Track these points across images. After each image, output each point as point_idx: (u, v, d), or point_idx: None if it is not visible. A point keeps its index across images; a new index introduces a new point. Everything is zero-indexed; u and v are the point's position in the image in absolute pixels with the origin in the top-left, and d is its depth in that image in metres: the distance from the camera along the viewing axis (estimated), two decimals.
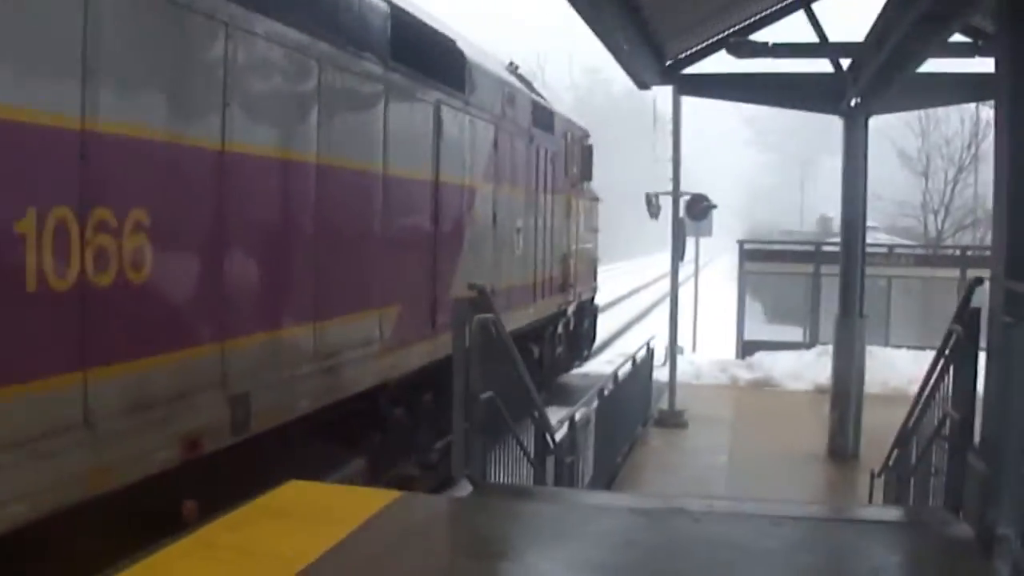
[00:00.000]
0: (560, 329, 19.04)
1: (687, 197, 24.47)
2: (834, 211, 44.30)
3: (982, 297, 6.98)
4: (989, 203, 31.13)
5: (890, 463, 10.29)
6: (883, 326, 22.43)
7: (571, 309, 19.62)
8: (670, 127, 25.18)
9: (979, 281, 6.98)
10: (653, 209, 24.19)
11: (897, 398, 20.42)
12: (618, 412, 14.96)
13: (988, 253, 26.62)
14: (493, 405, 6.95)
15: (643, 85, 16.82)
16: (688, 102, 17.12)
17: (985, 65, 14.87)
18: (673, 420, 17.78)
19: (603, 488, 12.83)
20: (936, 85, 15.37)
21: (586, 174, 20.33)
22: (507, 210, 14.29)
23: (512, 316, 15.01)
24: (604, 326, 32.45)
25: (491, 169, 13.35)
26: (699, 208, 24.45)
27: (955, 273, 23.51)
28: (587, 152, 20.31)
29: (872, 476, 11.02)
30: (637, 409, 17.00)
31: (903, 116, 29.69)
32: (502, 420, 7.40)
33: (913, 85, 14.40)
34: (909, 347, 22.61)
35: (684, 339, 26.54)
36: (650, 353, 18.07)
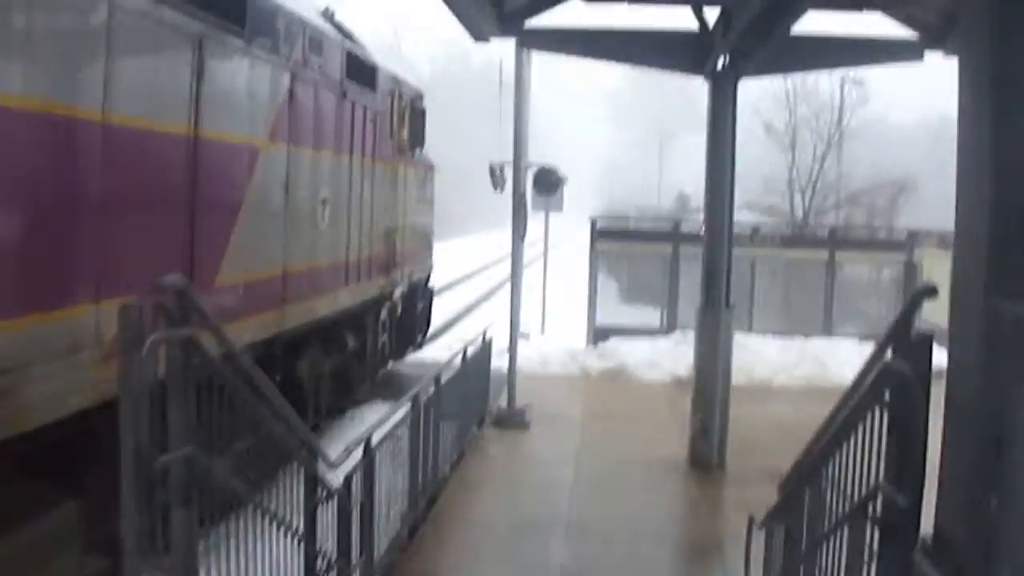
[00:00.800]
0: (385, 315, 16.65)
1: (534, 169, 22.37)
2: (693, 188, 42.90)
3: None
4: (853, 182, 29.79)
5: (773, 513, 8.11)
6: (746, 311, 20.57)
7: (399, 292, 17.23)
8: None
9: (931, 292, 4.74)
10: (497, 180, 21.90)
11: (764, 391, 18.72)
12: (445, 415, 12.72)
13: (859, 233, 25.04)
14: (198, 466, 4.57)
15: (480, 36, 14.45)
16: (544, 75, 14.93)
17: (870, 25, 13.02)
18: (513, 420, 15.59)
19: (419, 519, 10.57)
20: (815, 47, 13.43)
21: (418, 140, 17.91)
22: (308, 177, 11.84)
23: (317, 302, 12.56)
24: (446, 308, 30.24)
25: (283, 126, 10.89)
26: (548, 181, 22.28)
27: (823, 255, 21.82)
28: (419, 115, 17.91)
29: (750, 525, 8.89)
30: (470, 408, 14.75)
31: (770, 89, 27.97)
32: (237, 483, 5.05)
33: (789, 46, 12.47)
34: (775, 333, 20.82)
35: (531, 323, 24.51)
36: (487, 343, 15.79)
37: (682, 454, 13.73)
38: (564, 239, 41.04)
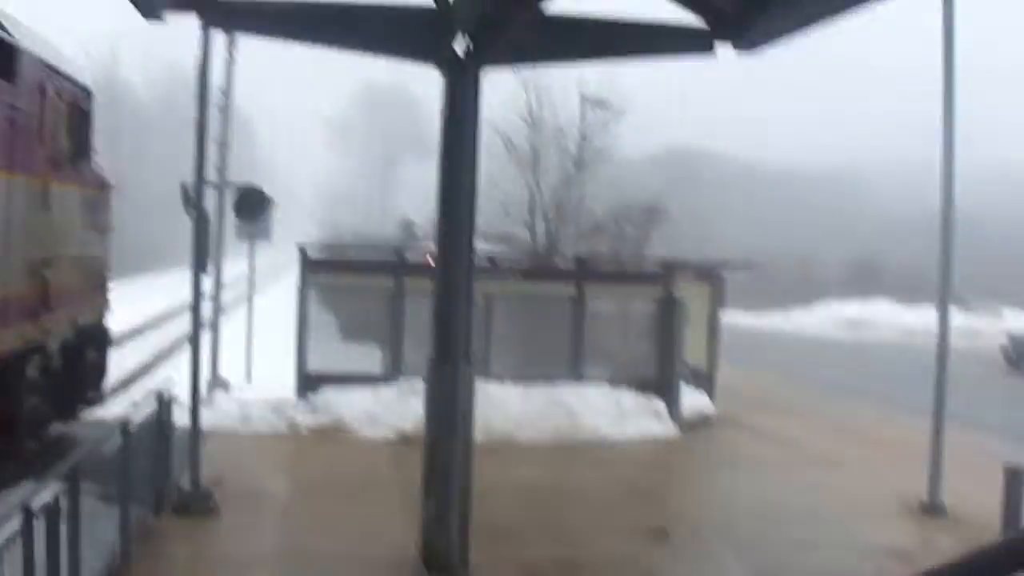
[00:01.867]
0: (34, 372, 12.91)
1: (234, 189, 19.05)
2: (419, 218, 39.87)
3: None
4: (600, 208, 27.52)
5: None
6: (482, 354, 17.76)
7: (54, 342, 13.49)
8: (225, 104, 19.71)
9: None
10: (190, 201, 18.40)
11: (506, 449, 15.93)
12: (91, 511, 9.33)
13: (609, 264, 22.64)
14: None
15: (151, 13, 11.07)
16: (258, 98, 11.79)
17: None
18: (198, 504, 12.21)
19: None
20: (576, 31, 10.78)
21: (83, 149, 14.30)
22: None
23: None
24: (144, 352, 26.30)
25: None
26: (251, 203, 18.94)
27: (570, 289, 19.27)
28: (83, 117, 14.33)
29: None
30: (137, 493, 11.31)
31: (510, 103, 25.36)
32: None
33: (545, 28, 9.86)
34: (516, 380, 18.13)
35: (235, 370, 21.11)
36: (166, 400, 12.32)
37: (411, 547, 10.74)
38: (282, 277, 37.29)
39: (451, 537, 10.33)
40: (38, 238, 12.53)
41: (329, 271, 18.77)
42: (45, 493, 7.88)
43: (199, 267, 12.11)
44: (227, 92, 19.62)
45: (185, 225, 15.84)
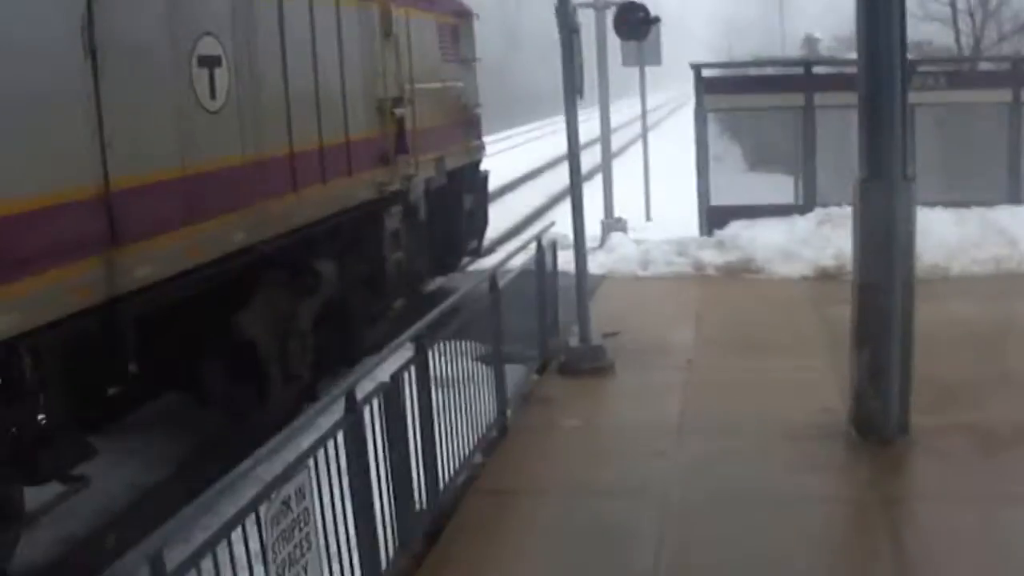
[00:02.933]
0: (396, 223, 11.76)
1: (613, 7, 17.19)
2: (825, 32, 36.46)
3: None
4: None
5: None
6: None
7: (418, 188, 12.27)
8: None
9: None
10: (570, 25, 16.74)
11: (940, 285, 13.35)
12: (467, 377, 8.08)
13: None
14: None
15: None
16: None
17: None
18: (588, 361, 10.74)
19: None
20: None
21: None
22: (152, 21, 6.98)
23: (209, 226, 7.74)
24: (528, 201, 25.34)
25: None
26: (633, 20, 17.00)
27: (1005, 95, 16.17)
28: None
29: None
30: (516, 355, 10.01)
31: None
32: None
33: None
34: (945, 204, 15.43)
35: (633, 211, 19.58)
36: (542, 251, 10.83)
37: (841, 409, 8.79)
38: (680, 115, 34.66)
39: (889, 396, 8.27)
40: (384, 72, 11.20)
41: (728, 90, 16.59)
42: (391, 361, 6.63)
43: (573, 90, 10.36)
44: None
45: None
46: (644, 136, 20.27)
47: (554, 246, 11.45)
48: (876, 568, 6.36)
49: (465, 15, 14.97)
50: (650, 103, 20.70)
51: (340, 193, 10.03)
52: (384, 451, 6.11)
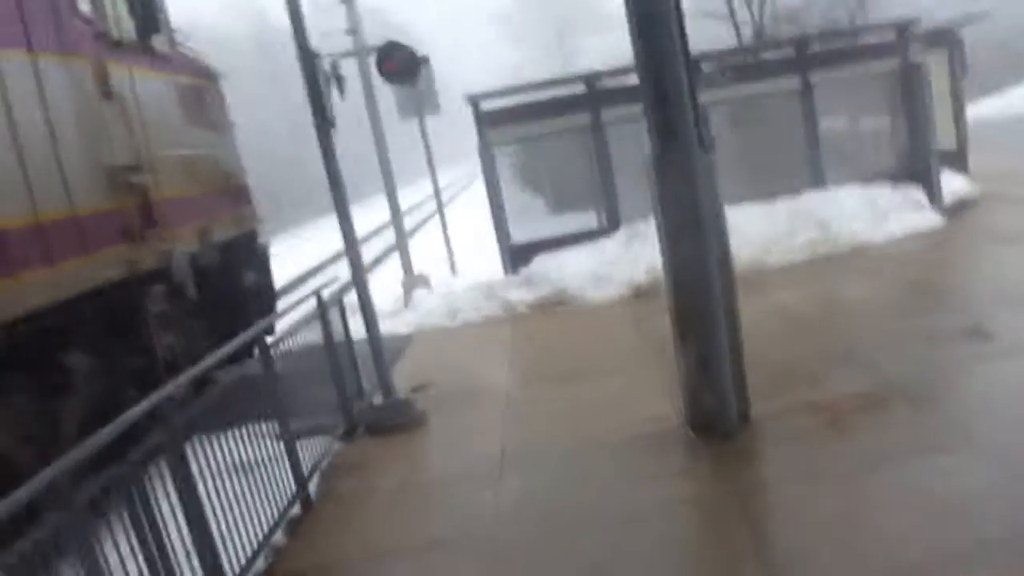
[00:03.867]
0: (160, 306, 10.42)
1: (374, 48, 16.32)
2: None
3: None
4: None
5: None
6: None
7: (179, 266, 10.96)
8: None
9: None
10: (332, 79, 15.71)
11: (760, 277, 12.85)
12: (255, 460, 6.94)
13: (834, 40, 18.77)
14: None
15: None
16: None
17: None
18: (396, 417, 9.64)
19: None
20: None
21: (150, 23, 11.45)
22: None
23: None
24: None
25: None
26: (400, 62, 16.10)
27: (793, 83, 15.78)
28: None
29: None
30: (325, 423, 8.90)
31: None
32: None
33: None
34: (752, 200, 14.92)
35: (437, 269, 18.64)
36: (324, 306, 9.67)
37: (674, 415, 7.92)
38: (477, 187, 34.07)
39: (723, 387, 7.38)
40: (112, 137, 9.89)
41: (510, 121, 15.77)
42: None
43: (322, 121, 9.32)
44: None
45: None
46: (435, 185, 19.31)
47: (340, 299, 10.31)
48: (742, 566, 5.38)
49: (208, 74, 13.72)
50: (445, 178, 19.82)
51: (75, 275, 8.68)
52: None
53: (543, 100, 16.24)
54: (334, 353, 9.63)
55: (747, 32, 22.61)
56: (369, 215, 38.59)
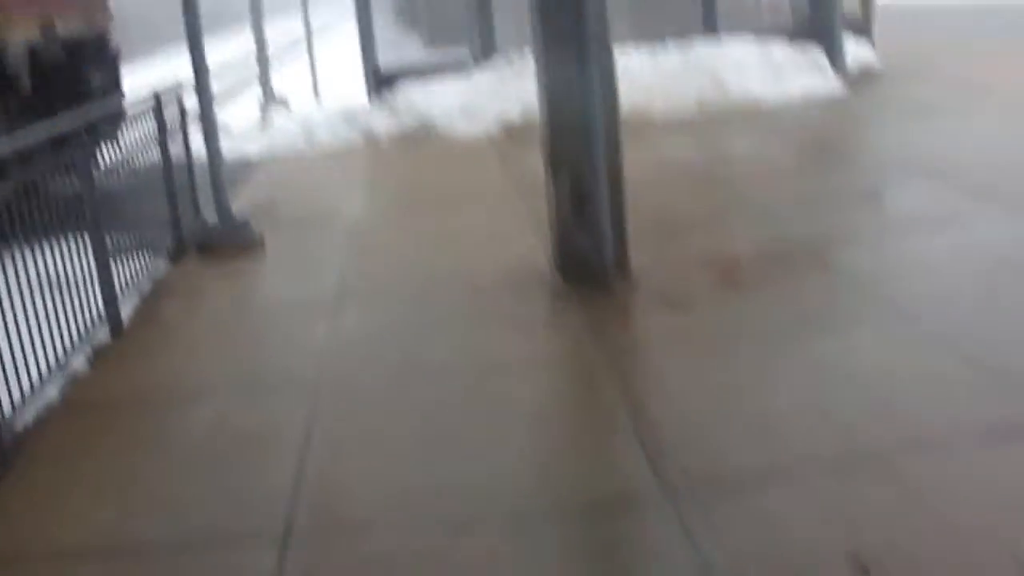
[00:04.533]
0: None
1: None
2: None
3: None
4: None
5: None
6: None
7: (13, 53, 9.62)
8: None
9: None
10: None
11: (642, 125, 11.93)
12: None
13: None
14: None
15: None
16: None
17: None
18: (230, 239, 8.61)
19: None
20: None
21: None
22: None
23: None
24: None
25: None
26: None
27: None
28: None
29: None
30: (145, 231, 7.84)
31: None
32: None
33: None
34: (639, 42, 13.98)
35: (298, 86, 17.40)
36: (160, 107, 8.53)
37: (543, 257, 7.06)
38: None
39: (599, 228, 6.52)
40: None
41: None
42: None
43: None
44: None
45: None
46: (306, 16, 17.90)
47: (180, 102, 9.14)
48: (612, 439, 4.57)
49: None
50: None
51: None
52: None
53: None
54: (168, 162, 8.54)
55: None
56: (241, 42, 36.66)
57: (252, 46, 16.41)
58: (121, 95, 13.21)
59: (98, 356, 6.38)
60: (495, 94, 13.52)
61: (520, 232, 7.93)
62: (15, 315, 5.36)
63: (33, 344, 5.54)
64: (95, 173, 6.97)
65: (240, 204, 9.56)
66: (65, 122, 6.83)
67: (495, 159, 11.47)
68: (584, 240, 6.54)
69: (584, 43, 6.35)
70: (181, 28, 8.59)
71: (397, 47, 16.25)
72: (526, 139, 11.61)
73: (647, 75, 13.42)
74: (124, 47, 13.88)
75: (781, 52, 14.36)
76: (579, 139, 6.47)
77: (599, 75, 6.47)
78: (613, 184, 6.58)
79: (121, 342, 6.66)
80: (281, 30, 39.59)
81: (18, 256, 5.63)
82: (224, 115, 16.85)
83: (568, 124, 6.51)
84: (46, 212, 6.06)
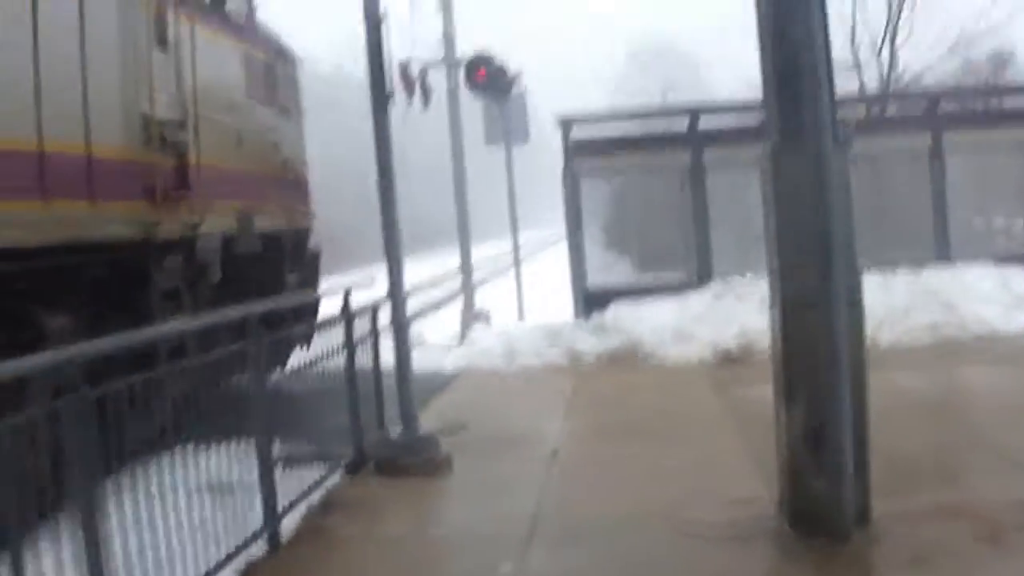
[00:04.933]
0: (172, 283, 8.76)
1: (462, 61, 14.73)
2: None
3: None
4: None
5: None
6: None
7: (206, 244, 9.36)
8: None
9: None
10: (418, 89, 14.15)
11: (872, 353, 10.77)
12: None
13: (974, 98, 16.35)
14: None
15: None
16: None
17: None
18: (414, 455, 7.81)
19: None
20: None
21: None
22: None
23: None
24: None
25: None
26: (492, 78, 14.44)
27: (924, 141, 13.86)
28: None
29: None
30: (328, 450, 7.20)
31: None
32: None
33: None
34: (868, 267, 12.91)
35: (502, 304, 16.94)
36: (350, 311, 7.96)
37: (767, 497, 6.00)
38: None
39: (838, 471, 5.46)
40: (156, 85, 8.42)
41: (601, 151, 14.01)
42: None
43: (379, 93, 7.66)
44: None
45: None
46: (513, 221, 17.57)
47: (373, 312, 8.57)
48: None
49: (284, 55, 12.33)
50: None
51: (72, 219, 7.12)
52: None
53: (640, 135, 14.52)
54: (352, 368, 7.92)
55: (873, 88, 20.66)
56: (448, 260, 37.11)
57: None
58: (316, 296, 12.88)
59: (250, 570, 5.62)
60: (710, 318, 12.67)
61: (738, 471, 6.91)
62: (167, 518, 4.73)
63: (184, 550, 4.88)
64: (271, 373, 6.42)
65: (429, 419, 8.83)
66: (240, 311, 6.28)
67: (709, 386, 10.50)
68: (821, 483, 5.48)
69: (828, 260, 5.45)
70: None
71: (606, 269, 15.66)
72: (744, 366, 10.80)
73: (874, 301, 12.34)
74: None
75: (1019, 280, 13.21)
76: (820, 366, 5.49)
77: (844, 294, 5.54)
78: (857, 419, 5.55)
79: (278, 558, 5.92)
80: (492, 247, 40.14)
81: (181, 454, 5.07)
82: (424, 326, 16.52)
83: (807, 348, 5.56)
84: (217, 410, 5.51)
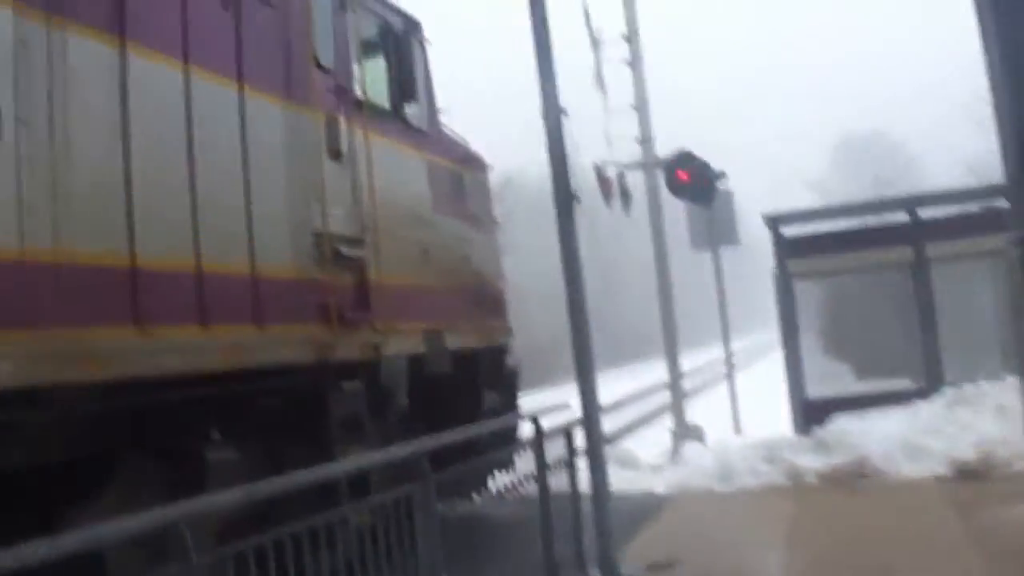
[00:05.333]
0: (352, 409, 8.22)
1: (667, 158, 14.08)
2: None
3: None
4: None
5: None
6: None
7: (391, 367, 8.83)
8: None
9: None
10: (617, 192, 13.58)
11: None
12: None
13: None
14: None
15: None
16: None
17: None
18: None
19: None
20: None
21: (408, 92, 9.82)
22: None
23: None
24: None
25: None
26: (695, 176, 13.70)
27: None
28: (401, 46, 9.87)
29: None
30: None
31: None
32: None
33: None
34: None
35: (714, 418, 16.02)
36: (541, 435, 7.30)
37: None
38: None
39: None
40: (329, 200, 8.02)
41: (815, 250, 13.06)
42: None
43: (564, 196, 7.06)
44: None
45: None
46: (724, 329, 16.69)
47: (568, 434, 7.86)
48: None
49: (473, 163, 11.90)
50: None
51: (237, 344, 6.69)
52: None
53: (855, 229, 13.52)
54: (546, 500, 7.20)
55: None
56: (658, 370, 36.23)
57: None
58: (516, 418, 12.24)
59: None
60: (944, 429, 11.52)
61: None
62: None
63: None
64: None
65: (637, 552, 8.03)
66: (407, 448, 5.68)
67: (949, 509, 9.35)
68: None
69: None
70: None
71: (826, 378, 14.63)
72: (988, 482, 9.64)
73: None
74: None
75: None
76: None
77: None
78: None
79: None
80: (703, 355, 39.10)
81: None
82: (633, 443, 15.71)
83: None
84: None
